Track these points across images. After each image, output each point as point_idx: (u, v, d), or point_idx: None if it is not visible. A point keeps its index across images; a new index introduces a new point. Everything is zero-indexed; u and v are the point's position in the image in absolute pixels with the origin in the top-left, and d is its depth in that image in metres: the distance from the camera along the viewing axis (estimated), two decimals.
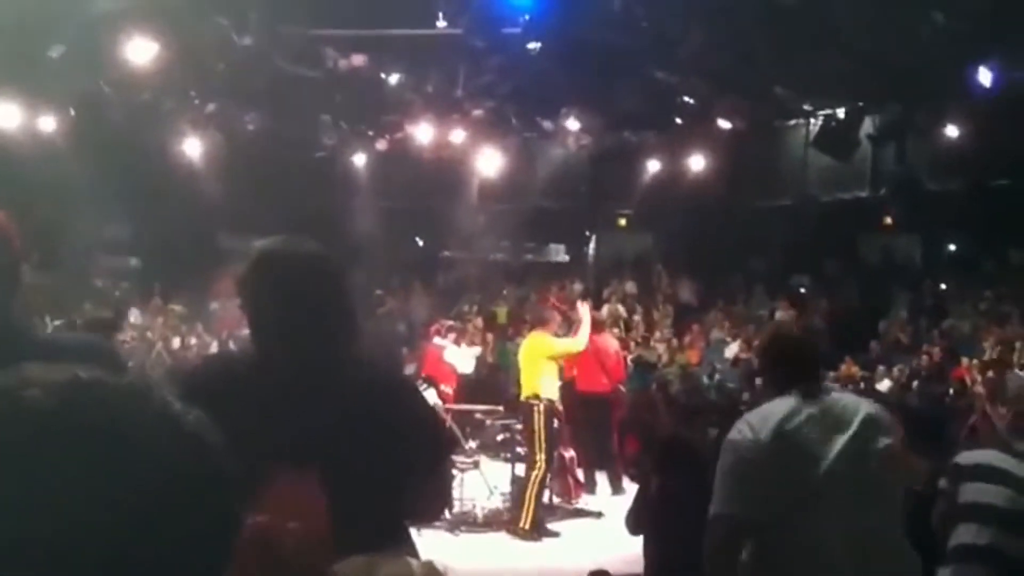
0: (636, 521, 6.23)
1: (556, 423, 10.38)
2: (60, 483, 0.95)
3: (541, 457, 10.02)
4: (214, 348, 16.72)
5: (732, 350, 15.58)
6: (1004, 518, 4.24)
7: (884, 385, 13.63)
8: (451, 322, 14.48)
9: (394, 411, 2.65)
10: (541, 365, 10.22)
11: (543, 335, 10.55)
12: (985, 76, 11.93)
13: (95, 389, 1.01)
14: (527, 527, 9.88)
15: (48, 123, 14.94)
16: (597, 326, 12.49)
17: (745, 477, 3.75)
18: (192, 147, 16.01)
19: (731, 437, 3.89)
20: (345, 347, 2.73)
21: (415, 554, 2.73)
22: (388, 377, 2.80)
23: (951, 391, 12.95)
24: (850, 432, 3.78)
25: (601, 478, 11.99)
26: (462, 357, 13.55)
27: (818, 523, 3.72)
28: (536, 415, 10.07)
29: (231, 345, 16.62)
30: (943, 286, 17.61)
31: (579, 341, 10.63)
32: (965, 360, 13.69)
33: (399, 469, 2.62)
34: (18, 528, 0.93)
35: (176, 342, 16.34)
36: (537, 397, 10.09)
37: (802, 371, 3.96)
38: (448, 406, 11.45)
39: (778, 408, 3.85)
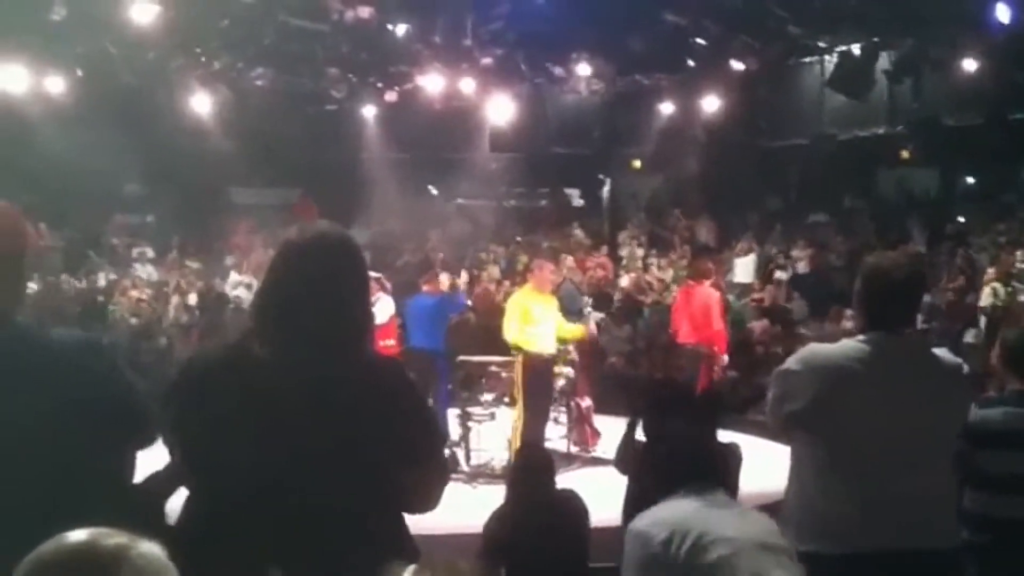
0: (623, 461, 6.25)
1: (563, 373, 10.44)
2: None
3: (519, 409, 10.05)
4: (233, 295, 16.77)
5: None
6: None
7: None
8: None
9: (392, 412, 2.64)
10: (519, 316, 10.17)
11: (528, 290, 10.57)
12: (1003, 12, 11.71)
13: None
14: None
15: (57, 85, 14.86)
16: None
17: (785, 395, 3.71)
18: (201, 104, 15.93)
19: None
20: (354, 345, 2.71)
21: (414, 551, 2.72)
22: (388, 376, 2.78)
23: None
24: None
25: None
26: None
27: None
28: (516, 367, 10.14)
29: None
30: (961, 219, 17.44)
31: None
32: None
33: (394, 469, 2.62)
34: None
35: (193, 298, 16.37)
36: (519, 349, 10.12)
37: (889, 313, 3.67)
38: (463, 358, 11.43)
39: (833, 351, 3.71)
